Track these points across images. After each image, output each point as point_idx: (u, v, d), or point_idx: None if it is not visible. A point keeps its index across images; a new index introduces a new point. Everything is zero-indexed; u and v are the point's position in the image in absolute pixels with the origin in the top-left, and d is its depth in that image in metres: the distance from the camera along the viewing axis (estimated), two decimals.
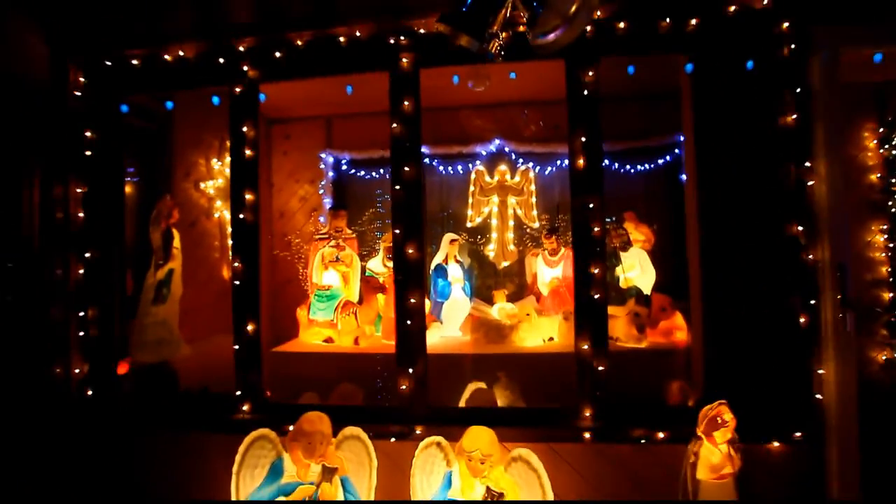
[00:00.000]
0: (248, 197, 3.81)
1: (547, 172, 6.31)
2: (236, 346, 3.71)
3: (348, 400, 3.92)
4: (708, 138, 3.72)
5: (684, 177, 6.21)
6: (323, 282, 5.13)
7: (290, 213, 6.55)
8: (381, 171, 6.42)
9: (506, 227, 6.17)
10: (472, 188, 6.18)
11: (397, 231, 3.61)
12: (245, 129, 3.86)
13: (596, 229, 3.51)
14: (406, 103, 3.71)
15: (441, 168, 6.38)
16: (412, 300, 3.51)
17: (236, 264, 3.73)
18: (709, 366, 3.57)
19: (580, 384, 3.44)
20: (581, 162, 3.54)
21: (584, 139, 3.54)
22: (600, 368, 3.39)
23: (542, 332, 4.67)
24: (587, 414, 3.39)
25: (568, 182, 6.61)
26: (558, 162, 6.22)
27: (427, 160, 6.27)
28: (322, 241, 5.28)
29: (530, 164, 6.17)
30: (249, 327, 3.71)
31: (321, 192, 6.41)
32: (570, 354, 4.31)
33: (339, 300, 4.79)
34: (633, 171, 6.17)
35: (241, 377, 3.72)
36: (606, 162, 6.11)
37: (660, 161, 6.13)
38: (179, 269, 4.52)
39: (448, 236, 5.33)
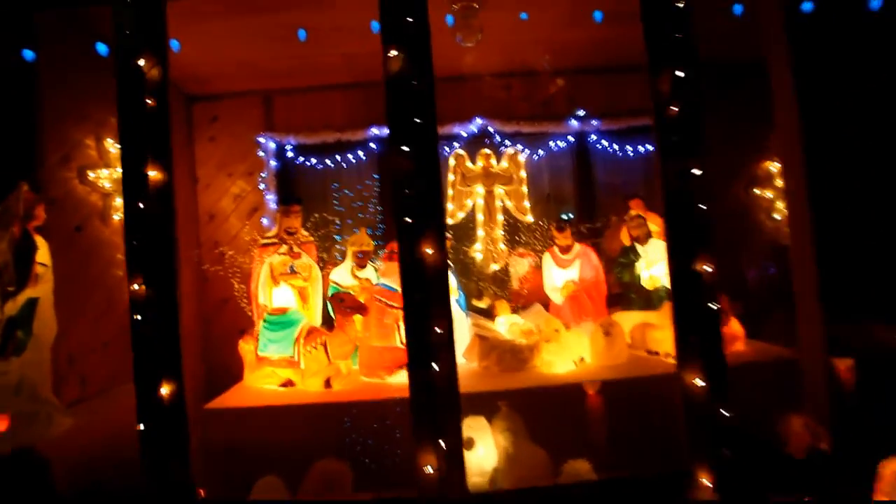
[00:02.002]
0: (154, 175, 2.22)
1: (535, 157, 5.09)
2: (141, 425, 2.11)
3: (332, 488, 2.42)
4: (817, 109, 2.64)
5: None
6: (274, 303, 3.57)
7: (222, 214, 4.87)
8: (338, 157, 4.91)
9: (494, 223, 4.87)
10: (451, 177, 4.83)
11: (407, 222, 2.20)
12: (142, 63, 2.26)
13: (702, 206, 2.29)
14: (409, 19, 2.28)
15: None
16: (437, 329, 2.11)
17: (135, 287, 2.12)
18: (833, 387, 2.48)
19: (693, 437, 2.20)
20: (674, 109, 2.30)
21: (677, 75, 2.30)
22: (724, 413, 2.16)
23: (571, 352, 3.41)
24: (706, 482, 2.14)
25: (559, 168, 5.58)
26: (551, 143, 5.02)
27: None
28: (269, 248, 3.71)
29: (519, 147, 4.92)
30: (164, 390, 2.13)
31: (262, 186, 4.80)
32: (623, 381, 3.11)
33: (299, 327, 3.26)
34: (632, 153, 5.10)
35: (155, 471, 2.13)
36: (605, 143, 5.01)
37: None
38: (49, 297, 2.80)
39: None
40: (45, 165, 3.25)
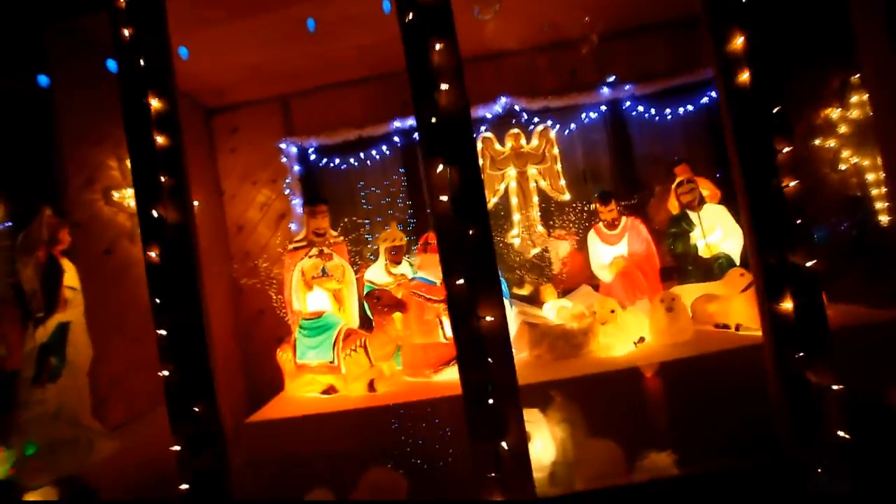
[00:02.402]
0: (171, 215, 2.04)
1: (567, 131, 4.76)
2: (177, 447, 1.94)
3: (386, 499, 2.20)
4: None
5: None
6: (309, 308, 3.40)
7: (250, 225, 4.77)
8: (361, 155, 4.72)
9: (529, 204, 4.58)
10: (479, 161, 4.55)
11: (441, 200, 1.95)
12: (150, 100, 2.09)
13: (784, 150, 1.95)
14: None
15: None
16: (488, 317, 1.84)
17: (160, 309, 1.95)
18: None
19: (797, 420, 1.86)
20: (744, 77, 1.98)
21: (745, 39, 1.97)
22: (836, 389, 1.81)
23: (630, 332, 3.09)
24: (820, 472, 1.80)
25: (593, 142, 5.15)
26: (582, 116, 4.69)
27: (416, 135, 4.60)
28: (299, 252, 3.54)
29: (548, 123, 4.60)
30: (197, 409, 1.95)
31: (287, 192, 4.66)
32: (694, 359, 2.78)
33: (336, 330, 3.07)
34: (670, 116, 4.70)
35: (195, 496, 1.95)
36: (640, 109, 4.63)
37: (695, 102, 4.68)
38: (81, 321, 2.70)
39: None
40: (69, 189, 3.18)
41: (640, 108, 4.61)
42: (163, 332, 1.88)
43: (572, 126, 4.71)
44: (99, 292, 3.17)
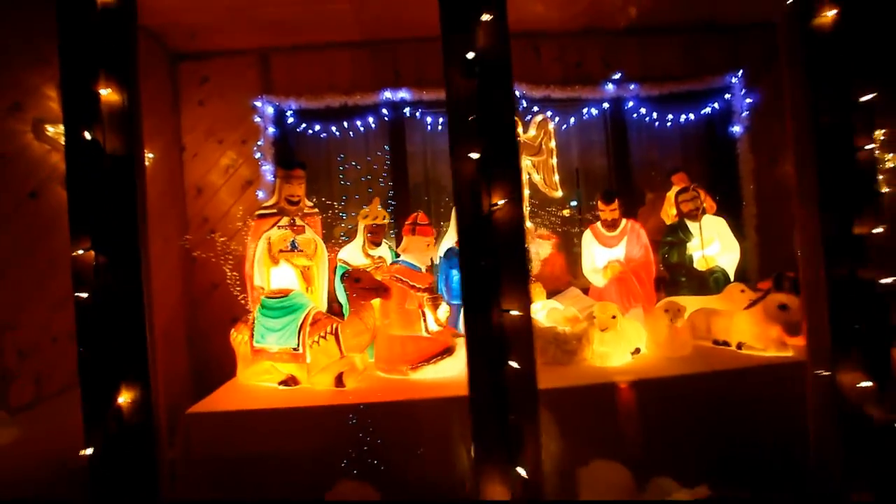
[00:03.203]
0: (108, 94, 1.54)
1: (564, 126, 4.47)
2: (89, 450, 1.46)
3: None
4: None
5: (736, 129, 4.67)
6: (272, 284, 2.93)
7: (211, 188, 4.21)
8: (344, 124, 4.25)
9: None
10: None
11: (469, 159, 1.56)
12: None
13: (868, 148, 1.68)
14: None
15: (428, 119, 4.33)
16: (514, 311, 1.47)
17: (80, 252, 1.46)
18: None
19: (850, 451, 1.58)
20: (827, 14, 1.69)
21: None
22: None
23: (628, 341, 2.81)
24: None
25: (590, 139, 4.86)
26: (584, 111, 4.40)
27: (408, 109, 4.20)
28: (267, 220, 3.06)
29: (548, 114, 4.28)
30: (122, 398, 1.47)
31: (257, 156, 4.13)
32: (697, 377, 2.51)
33: (304, 313, 2.63)
34: (670, 121, 4.49)
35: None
36: (642, 111, 4.39)
37: (697, 112, 4.49)
38: None
39: None
40: None
41: (643, 110, 4.36)
42: (82, 295, 1.39)
43: (571, 120, 4.42)
44: (16, 244, 2.59)
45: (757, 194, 4.33)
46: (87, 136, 1.41)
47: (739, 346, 2.80)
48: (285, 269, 3.03)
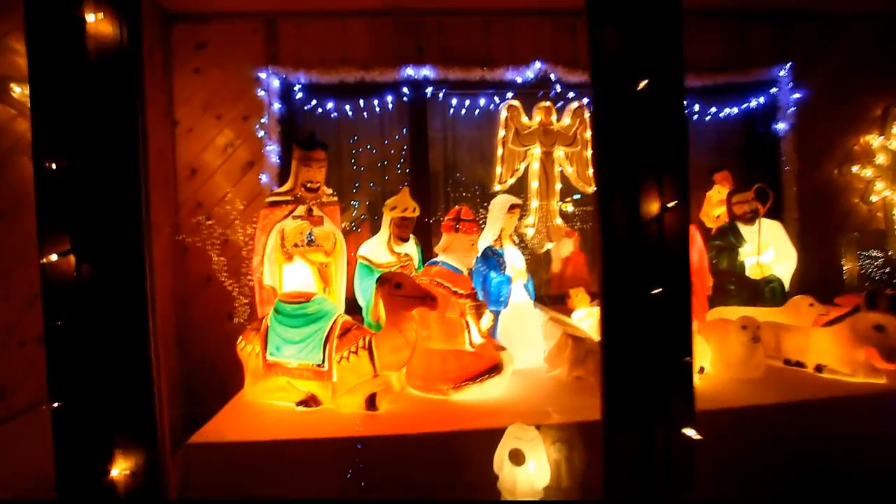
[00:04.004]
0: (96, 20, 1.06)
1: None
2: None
3: None
4: None
5: (780, 126, 4.31)
6: (285, 284, 2.46)
7: (207, 169, 3.69)
8: (360, 102, 3.76)
9: (552, 192, 3.84)
10: (501, 132, 3.75)
11: (624, 141, 1.12)
12: None
13: None
14: None
15: (453, 101, 3.87)
16: (683, 329, 1.05)
17: (53, 258, 0.98)
18: None
19: None
20: None
21: None
22: None
23: (693, 359, 2.43)
24: None
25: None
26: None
27: (431, 89, 3.73)
28: (281, 208, 2.58)
29: (584, 101, 3.87)
30: (117, 469, 1.01)
31: (260, 134, 3.62)
32: (785, 407, 2.16)
33: (330, 321, 2.18)
34: (709, 116, 4.13)
35: None
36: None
37: (739, 105, 4.13)
38: None
39: (504, 200, 2.88)
40: None
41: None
42: (55, 321, 0.92)
43: None
44: None
45: (799, 197, 4.01)
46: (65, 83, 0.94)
47: (819, 368, 2.46)
48: (300, 266, 2.56)
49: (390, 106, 3.81)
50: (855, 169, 4.12)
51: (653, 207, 1.02)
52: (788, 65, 3.96)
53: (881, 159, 4.08)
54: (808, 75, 4.00)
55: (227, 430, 1.98)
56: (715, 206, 3.76)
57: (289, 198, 2.61)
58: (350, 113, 3.80)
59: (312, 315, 2.16)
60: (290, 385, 2.19)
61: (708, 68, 3.99)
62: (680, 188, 1.06)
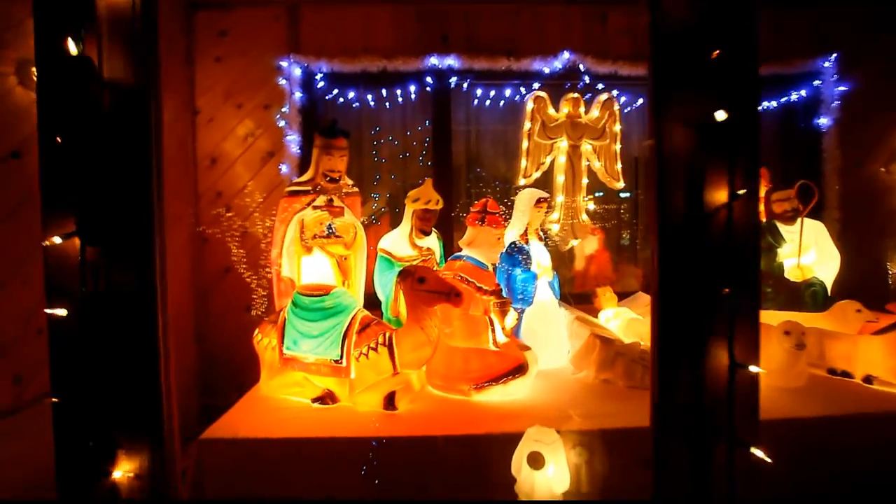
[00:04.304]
0: None
1: (628, 109, 3.91)
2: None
3: None
4: None
5: (823, 121, 4.07)
6: (304, 277, 2.38)
7: (227, 159, 3.63)
8: (383, 92, 3.67)
9: (578, 187, 3.68)
10: (527, 125, 3.61)
11: (687, 118, 0.99)
12: None
13: None
14: None
15: (478, 92, 3.74)
16: (753, 366, 0.92)
17: (56, 241, 0.90)
18: None
19: None
20: None
21: None
22: None
23: None
24: None
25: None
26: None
27: (455, 79, 3.61)
28: (300, 198, 2.50)
29: (614, 93, 3.70)
30: (120, 470, 0.92)
31: (281, 124, 3.55)
32: (834, 420, 2.00)
33: (349, 316, 2.09)
34: None
35: None
36: None
37: (778, 98, 3.91)
38: None
39: (531, 194, 2.76)
40: None
41: None
42: (59, 312, 0.84)
43: (639, 102, 3.84)
44: None
45: (841, 197, 3.79)
46: (73, 48, 0.85)
47: (868, 379, 2.29)
48: (319, 258, 2.48)
49: (413, 96, 3.70)
50: None
51: (720, 195, 0.89)
52: (834, 56, 3.72)
53: None
54: (855, 66, 3.76)
55: (240, 426, 1.91)
56: None
57: (309, 188, 2.53)
58: (372, 103, 3.71)
59: (331, 309, 2.07)
60: (307, 381, 2.11)
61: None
62: (751, 174, 0.93)
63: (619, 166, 3.72)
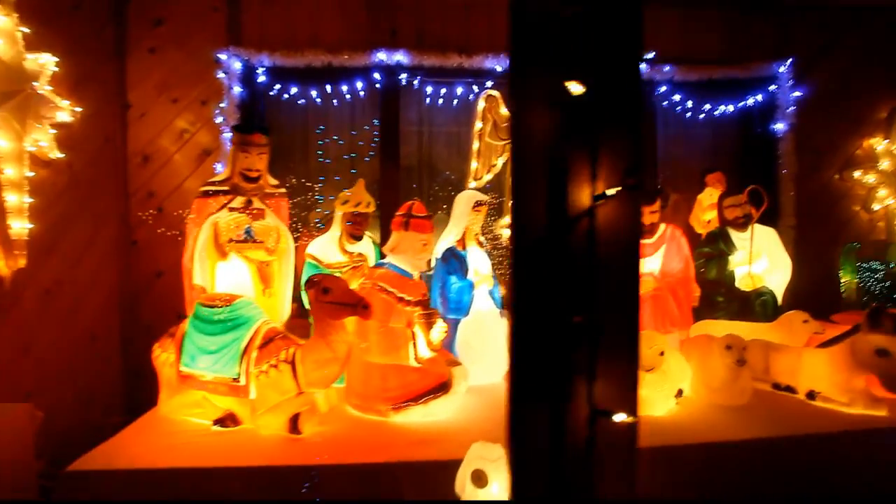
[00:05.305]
0: None
1: None
2: None
3: None
4: None
5: (779, 126, 3.95)
6: (218, 285, 2.16)
7: (161, 156, 3.38)
8: (327, 88, 3.45)
9: None
10: (478, 125, 3.42)
11: (546, 99, 0.78)
12: None
13: None
14: None
15: (428, 89, 3.54)
16: (620, 415, 0.72)
17: None
18: None
19: None
20: None
21: None
22: None
23: (672, 382, 2.12)
24: None
25: None
26: None
27: (405, 76, 3.41)
28: (213, 200, 2.27)
29: None
30: None
31: (219, 120, 3.30)
32: (777, 442, 1.84)
33: (252, 328, 1.86)
34: (703, 114, 3.79)
35: None
36: (676, 98, 3.67)
37: (736, 103, 3.79)
38: None
39: (469, 196, 2.56)
40: None
41: (676, 97, 3.64)
42: None
43: None
44: None
45: (797, 203, 3.68)
46: None
47: (811, 395, 2.14)
48: (237, 264, 2.26)
49: (361, 93, 3.49)
50: (857, 174, 3.78)
51: (583, 196, 0.70)
52: (789, 61, 3.61)
53: (885, 165, 3.74)
54: (811, 73, 3.66)
55: (121, 454, 1.67)
56: (706, 210, 3.43)
57: (225, 187, 2.30)
58: (318, 100, 3.49)
59: (231, 321, 1.85)
60: (207, 401, 1.88)
61: (703, 61, 3.66)
62: (630, 169, 0.74)
63: None
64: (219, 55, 3.29)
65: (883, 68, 3.74)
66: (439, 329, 2.08)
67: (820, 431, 1.90)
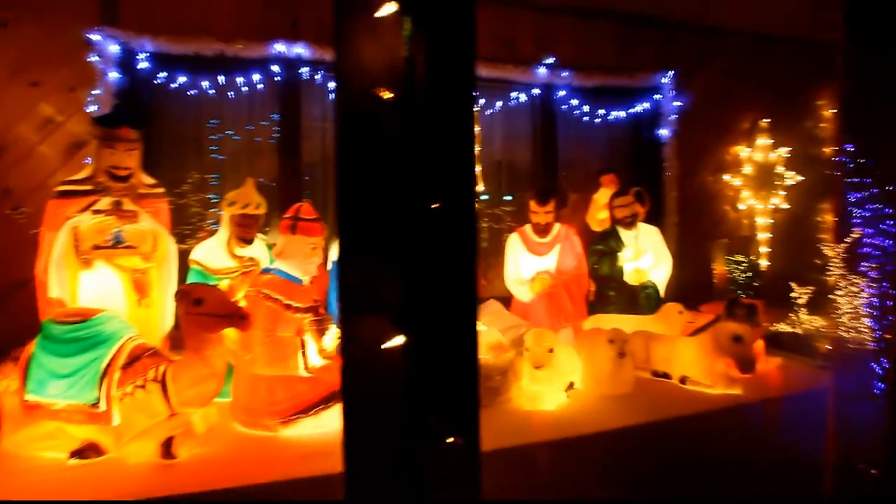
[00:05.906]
0: None
1: (489, 111, 3.80)
2: None
3: None
4: None
5: (664, 132, 4.26)
6: (84, 298, 1.90)
7: (21, 148, 2.94)
8: (221, 80, 3.19)
9: None
10: None
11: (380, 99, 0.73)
12: None
13: None
14: None
15: (331, 85, 3.38)
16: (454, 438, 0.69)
17: None
18: None
19: None
20: None
21: None
22: None
23: (563, 376, 2.21)
24: None
25: (516, 129, 3.67)
26: (512, 95, 3.75)
27: (306, 70, 3.24)
28: (73, 202, 2.00)
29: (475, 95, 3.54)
30: None
31: (92, 109, 2.92)
32: (657, 425, 1.98)
33: (111, 348, 1.65)
34: (600, 118, 4.00)
35: None
36: (574, 102, 3.84)
37: (628, 108, 4.05)
38: None
39: None
40: None
41: (574, 102, 3.81)
42: None
43: (498, 105, 3.75)
44: None
45: (679, 202, 4.01)
46: None
47: (683, 380, 2.33)
48: (105, 273, 2.00)
49: (259, 86, 3.26)
50: (726, 177, 4.20)
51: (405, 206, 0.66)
52: (671, 73, 3.91)
53: (748, 169, 4.19)
54: (689, 84, 3.99)
55: None
56: (601, 209, 3.62)
57: (87, 187, 2.02)
58: (210, 91, 3.21)
59: (89, 339, 1.63)
60: (62, 431, 1.64)
61: (598, 68, 3.85)
62: (460, 176, 0.70)
63: (478, 169, 3.59)
64: (89, 35, 2.90)
65: (747, 85, 4.16)
66: (332, 336, 1.99)
67: (689, 412, 2.06)
